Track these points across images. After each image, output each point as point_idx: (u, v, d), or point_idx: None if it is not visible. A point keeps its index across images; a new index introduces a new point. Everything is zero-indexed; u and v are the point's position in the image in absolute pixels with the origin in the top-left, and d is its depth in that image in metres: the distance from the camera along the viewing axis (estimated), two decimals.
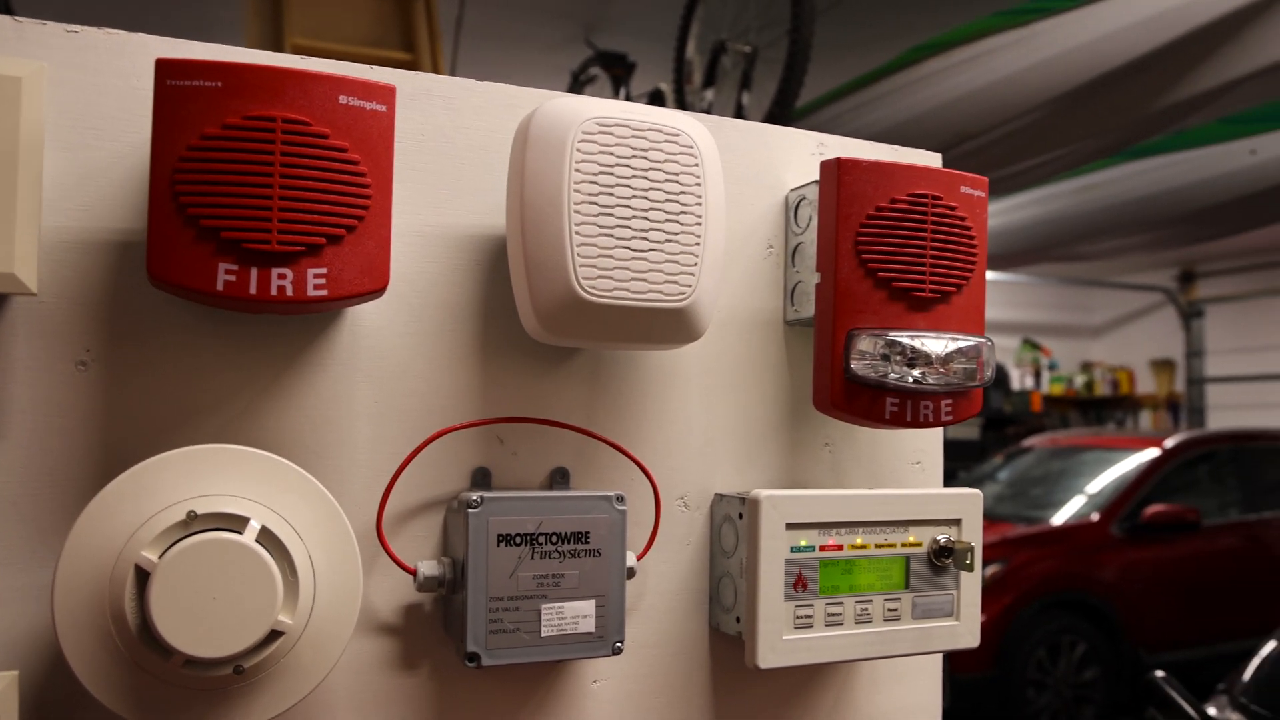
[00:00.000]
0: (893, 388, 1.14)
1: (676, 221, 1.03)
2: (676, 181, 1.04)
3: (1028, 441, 7.51)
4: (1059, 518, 6.02)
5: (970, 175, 1.19)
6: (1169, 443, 6.48)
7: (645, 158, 1.02)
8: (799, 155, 1.28)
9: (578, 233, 0.98)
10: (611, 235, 1.00)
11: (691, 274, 1.04)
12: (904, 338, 1.13)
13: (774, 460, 1.25)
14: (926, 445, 1.36)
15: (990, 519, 6.07)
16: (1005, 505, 6.51)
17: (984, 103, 4.43)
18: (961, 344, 1.16)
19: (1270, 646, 2.86)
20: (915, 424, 1.17)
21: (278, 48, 3.40)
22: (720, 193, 1.06)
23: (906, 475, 1.34)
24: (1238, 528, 6.36)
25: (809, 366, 1.26)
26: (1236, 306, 11.52)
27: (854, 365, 1.12)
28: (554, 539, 1.02)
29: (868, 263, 1.13)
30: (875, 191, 1.14)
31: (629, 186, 1.01)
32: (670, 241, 1.03)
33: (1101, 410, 12.36)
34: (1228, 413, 11.36)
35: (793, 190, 1.26)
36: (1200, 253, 11.00)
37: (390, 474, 1.03)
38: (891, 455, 1.33)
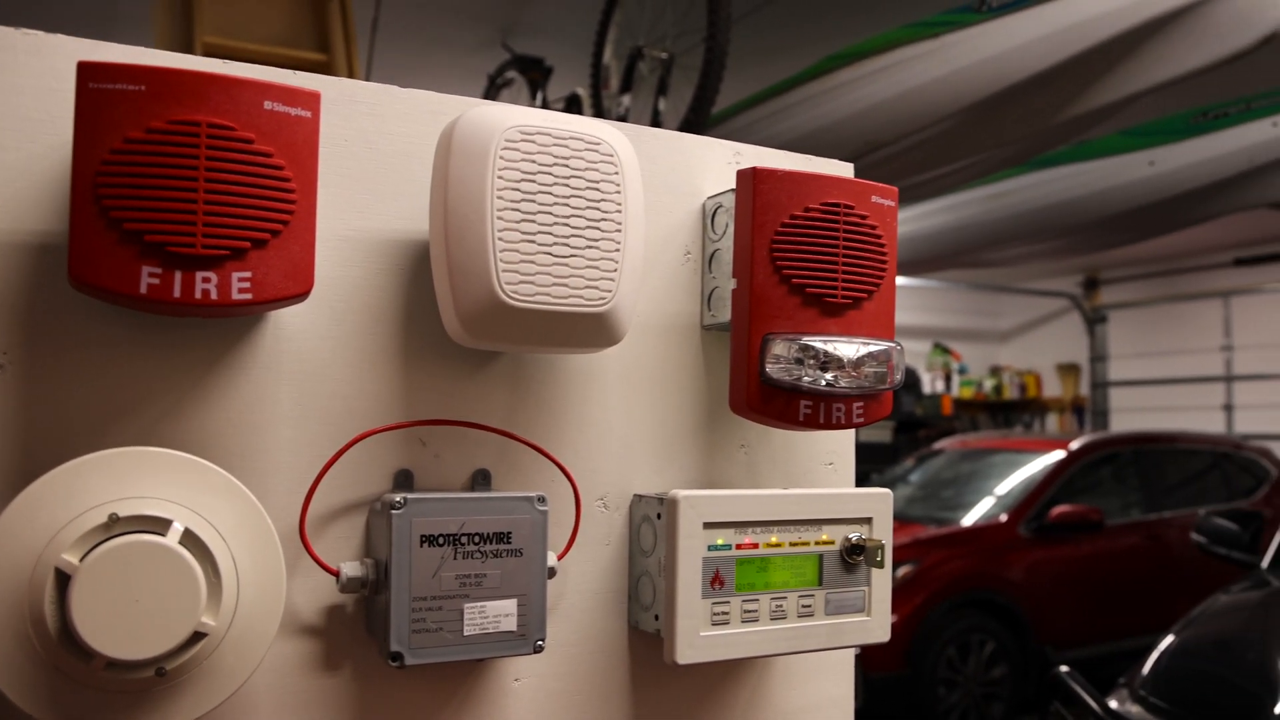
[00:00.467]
0: (806, 390, 1.15)
1: (597, 228, 1.05)
2: (597, 189, 1.06)
3: (938, 444, 7.63)
4: (969, 519, 6.12)
5: (880, 185, 1.22)
6: (1074, 445, 6.63)
7: (567, 165, 1.04)
8: (716, 164, 1.29)
9: (500, 238, 0.99)
10: (533, 241, 1.01)
11: (612, 279, 1.06)
12: (817, 342, 1.15)
13: (691, 461, 1.26)
14: (838, 447, 1.38)
15: (902, 520, 6.14)
16: (916, 507, 6.60)
17: (895, 112, 4.49)
18: (872, 348, 1.19)
19: (1168, 641, 2.96)
20: (828, 426, 1.19)
21: (188, 46, 3.35)
22: (639, 200, 1.08)
23: (820, 476, 1.36)
24: (1139, 527, 6.52)
25: (725, 370, 1.28)
26: (1138, 312, 11.80)
27: (769, 369, 1.14)
28: (476, 539, 1.04)
29: (782, 269, 1.14)
30: (790, 200, 1.16)
31: (551, 194, 1.03)
32: (591, 248, 1.05)
33: (1010, 413, 12.59)
34: (1130, 415, 11.63)
35: (710, 198, 1.27)
36: (1103, 260, 11.28)
37: (312, 476, 1.04)
38: (805, 456, 1.35)
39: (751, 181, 1.16)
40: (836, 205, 1.18)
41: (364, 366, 1.07)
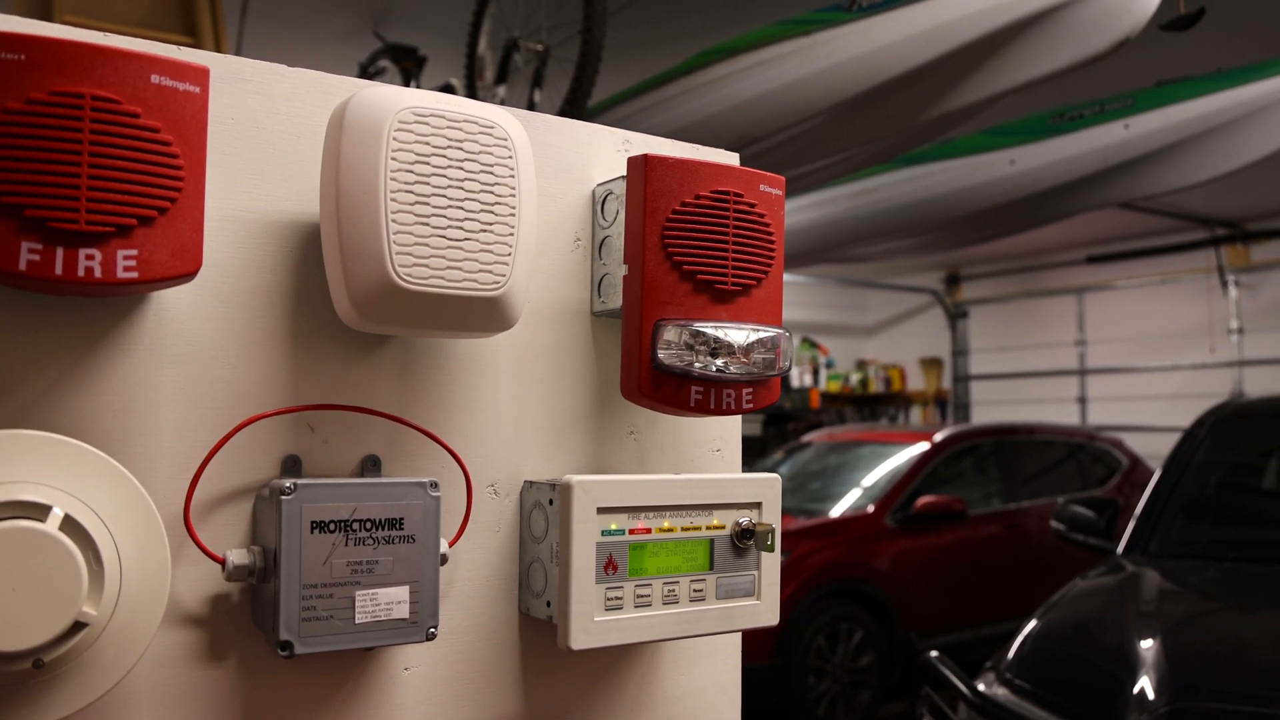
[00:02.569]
0: (697, 376, 1.17)
1: (491, 211, 1.05)
2: (491, 172, 1.06)
3: (807, 437, 7.72)
4: (837, 510, 6.21)
5: (769, 175, 1.24)
6: (937, 437, 6.77)
7: (461, 148, 1.04)
8: (605, 151, 1.30)
9: (394, 220, 0.98)
10: (427, 224, 1.01)
11: (505, 263, 1.06)
12: (708, 328, 1.17)
13: (581, 447, 1.27)
14: (725, 433, 1.40)
15: None
16: (786, 499, 6.59)
17: (768, 108, 4.54)
18: (762, 334, 1.21)
19: (1031, 625, 3.06)
20: (719, 411, 1.20)
21: None
22: (533, 184, 1.09)
23: (707, 462, 1.38)
24: (1000, 516, 6.70)
25: (615, 356, 1.29)
26: (997, 308, 12.13)
27: (661, 355, 1.15)
28: (368, 525, 1.02)
29: (673, 256, 1.16)
30: (680, 188, 1.17)
31: (445, 176, 1.02)
32: (485, 231, 1.04)
33: (875, 406, 12.84)
34: (990, 408, 11.96)
35: (599, 185, 1.28)
36: (965, 256, 11.58)
37: (197, 462, 1.01)
38: (693, 442, 1.37)
39: (643, 169, 1.17)
40: (726, 194, 1.19)
41: (251, 349, 1.05)
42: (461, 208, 1.03)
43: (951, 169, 6.25)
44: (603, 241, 1.27)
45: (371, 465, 1.10)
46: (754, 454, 9.15)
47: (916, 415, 12.72)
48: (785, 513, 6.10)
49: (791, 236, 7.26)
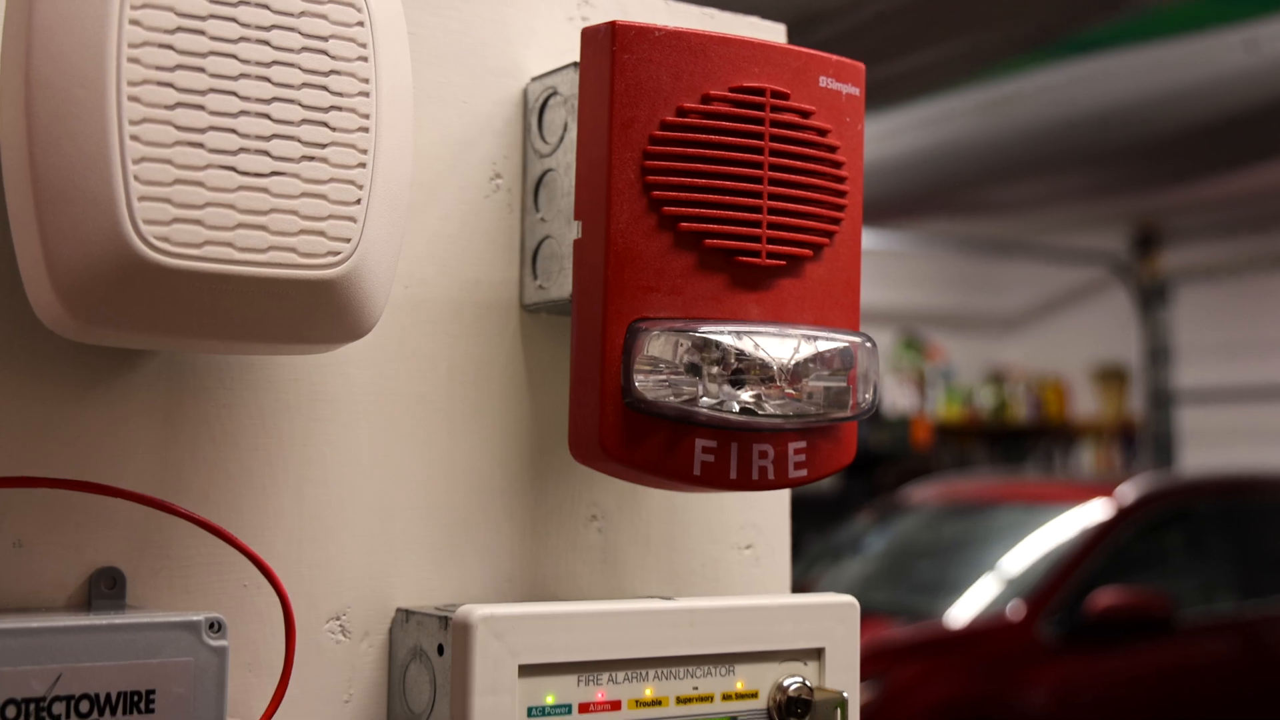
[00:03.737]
0: (706, 421, 1.13)
1: (323, 124, 0.99)
2: (324, 53, 1.00)
3: (911, 493, 7.68)
4: (960, 611, 6.09)
5: (836, 59, 1.22)
6: (1124, 494, 6.67)
7: (267, 7, 0.98)
8: (548, 21, 1.30)
9: (136, 138, 0.92)
10: (201, 146, 0.94)
11: (351, 219, 1.00)
12: (725, 334, 1.12)
13: (500, 548, 1.24)
14: (763, 517, 1.38)
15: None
16: (879, 591, 6.58)
17: None
18: (823, 344, 1.17)
19: None
20: (744, 484, 1.16)
21: None
22: (405, 78, 1.05)
23: (729, 569, 1.35)
24: (1230, 627, 6.59)
25: (562, 383, 1.25)
26: (1218, 286, 12.02)
27: (640, 383, 1.11)
28: (84, 705, 0.94)
29: (662, 205, 1.12)
30: (677, 82, 1.13)
31: (235, 58, 0.96)
32: (312, 160, 0.99)
33: (1020, 444, 12.77)
34: (1209, 447, 11.81)
35: (536, 80, 1.26)
36: (1166, 204, 11.41)
37: None
38: (703, 535, 1.34)
39: (609, 46, 1.13)
40: (759, 91, 1.15)
41: None
42: (267, 115, 0.97)
43: (1145, 60, 6.13)
44: (542, 178, 1.25)
45: (107, 587, 1.05)
46: (826, 517, 9.04)
47: (1087, 458, 12.66)
48: (879, 614, 6.05)
49: (882, 176, 7.17)
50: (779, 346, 1.14)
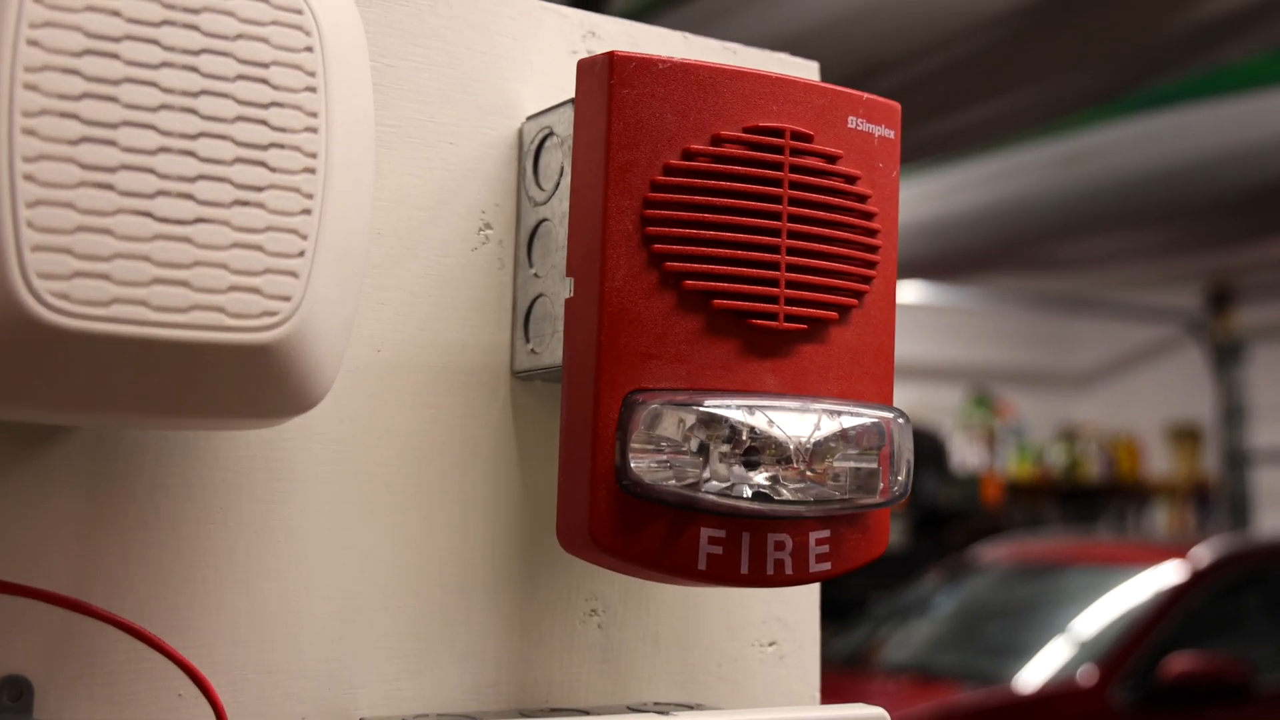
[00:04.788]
0: (712, 508, 1.07)
1: (260, 163, 0.92)
2: (264, 82, 0.93)
3: (981, 553, 7.64)
4: (1030, 675, 6.02)
5: (867, 97, 1.17)
6: (1199, 557, 6.60)
7: (196, 28, 0.91)
8: (548, 54, 1.24)
9: (31, 178, 0.86)
10: (111, 187, 0.87)
11: (291, 273, 0.93)
12: (735, 408, 1.06)
13: (483, 649, 1.18)
14: (788, 610, 1.33)
15: (925, 675, 6.14)
16: (947, 654, 6.58)
17: (904, 13, 4.47)
18: (849, 420, 1.11)
19: None
20: (758, 579, 1.10)
21: None
22: (364, 112, 0.99)
23: (749, 670, 1.29)
24: None
25: (553, 460, 1.21)
26: None
27: (637, 463, 1.05)
28: None
29: (664, 260, 1.06)
30: (683, 121, 1.08)
31: (155, 86, 0.89)
32: (246, 205, 0.92)
33: (1093, 503, 12.76)
34: None
35: (531, 119, 1.21)
36: (1241, 261, 11.37)
37: None
38: (721, 631, 1.29)
39: (606, 80, 1.07)
40: (776, 132, 1.10)
41: None
42: (192, 153, 0.89)
43: (1217, 116, 6.16)
44: (536, 230, 1.20)
45: (10, 699, 0.99)
46: (895, 576, 9.00)
47: (1161, 518, 12.65)
48: (948, 678, 6.08)
49: (949, 231, 7.20)
50: (797, 423, 1.07)
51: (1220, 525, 11.73)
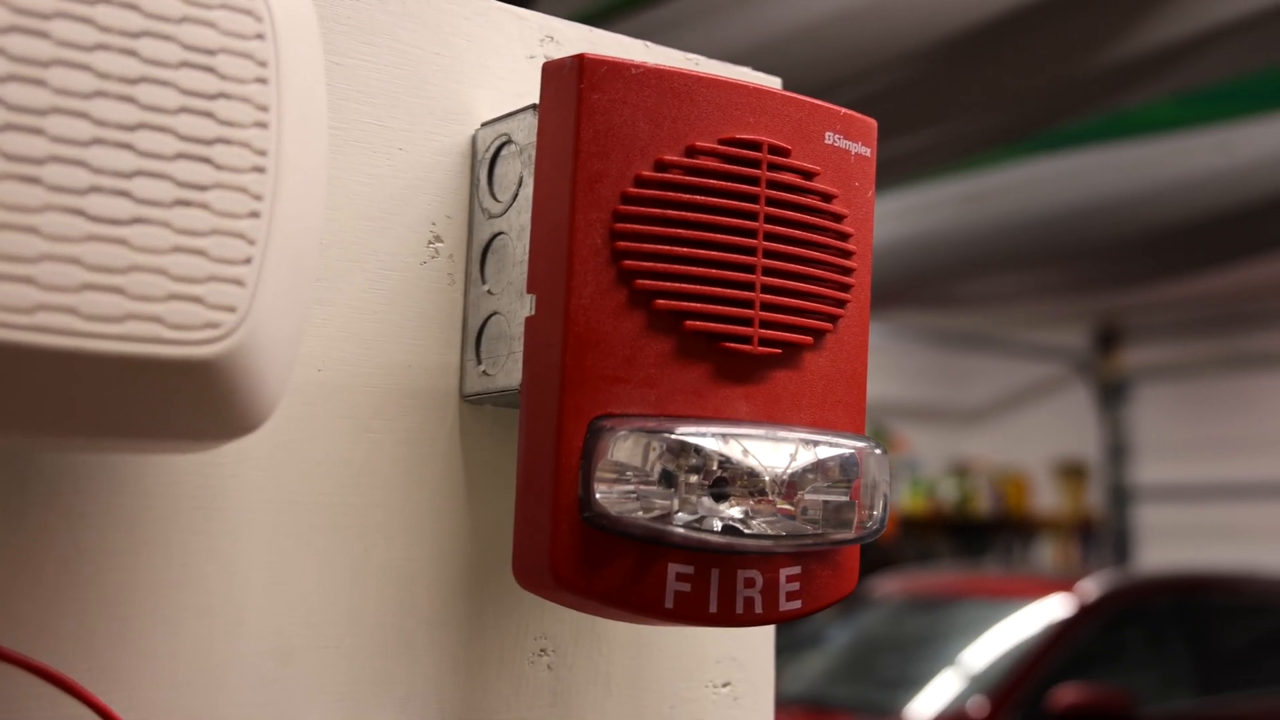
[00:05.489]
0: (681, 542, 1.03)
1: (205, 159, 0.87)
2: (211, 70, 0.88)
3: (874, 585, 7.67)
4: (922, 707, 6.05)
5: (845, 112, 1.15)
6: (1086, 591, 6.69)
7: (136, 8, 0.85)
8: (505, 58, 1.22)
9: None
10: (37, 181, 0.82)
11: (237, 281, 0.88)
12: (709, 437, 1.03)
13: (425, 692, 1.14)
14: (744, 650, 1.31)
15: (818, 707, 6.16)
16: (840, 686, 6.61)
17: (822, 45, 4.49)
18: (825, 450, 1.08)
19: None
20: (727, 618, 1.07)
21: None
22: (319, 108, 0.94)
23: (704, 711, 1.28)
24: None
25: (510, 491, 1.13)
26: (1179, 384, 12.17)
27: (602, 494, 1.01)
28: None
29: (634, 278, 1.03)
30: (656, 130, 1.05)
31: (90, 70, 0.84)
32: (188, 205, 0.86)
33: (983, 537, 12.85)
34: (1169, 544, 11.88)
35: (486, 125, 1.18)
36: (1129, 302, 11.54)
37: None
38: (675, 672, 1.26)
39: (575, 84, 1.04)
40: (754, 145, 1.07)
41: None
42: (130, 146, 0.84)
43: (1121, 159, 6.22)
44: (490, 244, 1.16)
45: None
46: None
47: (1047, 553, 12.79)
48: (841, 710, 6.14)
49: None
50: (773, 452, 1.04)
51: (1104, 560, 11.92)
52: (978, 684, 6.07)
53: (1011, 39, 4.43)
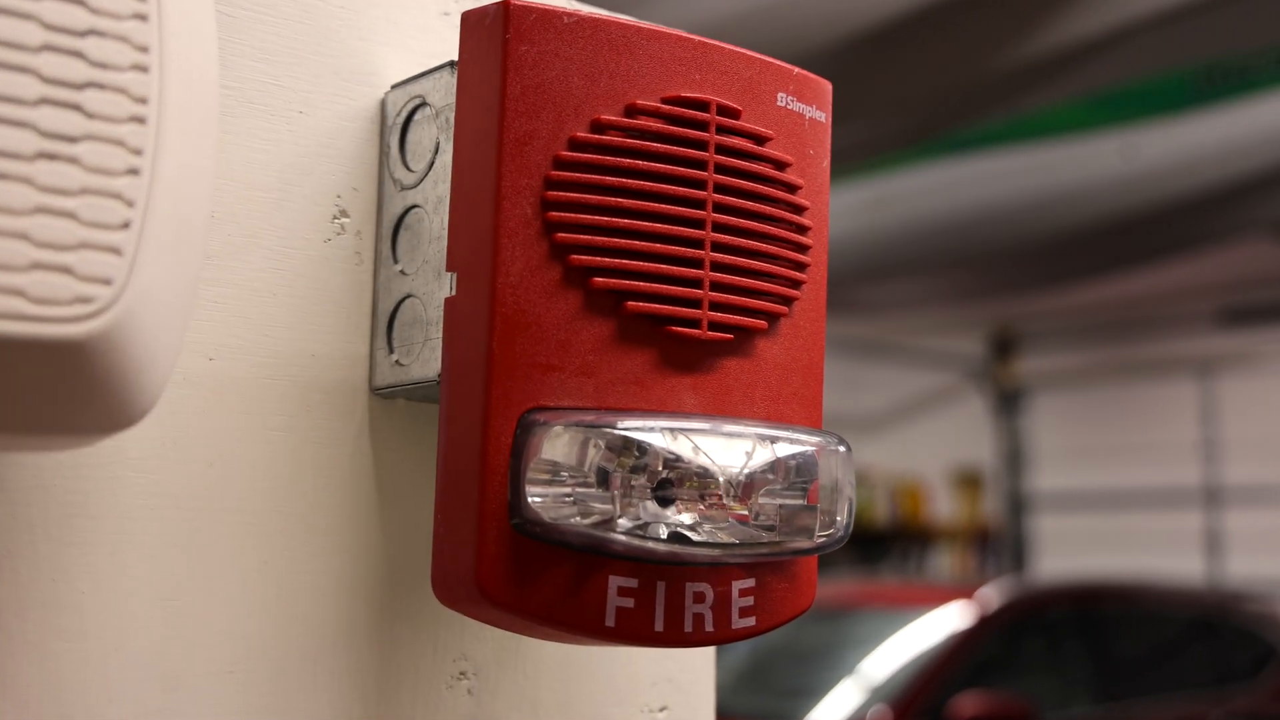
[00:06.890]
0: (624, 551, 0.97)
1: (74, 107, 0.80)
2: (80, 3, 0.81)
3: None
4: (823, 717, 6.05)
5: (799, 72, 1.10)
6: (986, 598, 6.74)
7: None
8: (416, 14, 1.17)
9: None
10: None
11: (114, 249, 0.81)
12: (656, 432, 0.97)
13: (333, 718, 1.08)
14: (681, 671, 1.26)
15: (718, 718, 6.06)
16: (740, 697, 6.54)
17: (741, 40, 4.48)
18: (785, 448, 1.02)
19: None
20: (674, 638, 1.00)
21: None
22: (209, 54, 0.88)
23: None
24: None
25: (428, 494, 1.09)
26: (1075, 392, 12.38)
27: (535, 497, 0.95)
28: None
29: (568, 252, 0.97)
30: (592, 86, 0.99)
31: None
32: (54, 159, 0.80)
33: (880, 547, 12.93)
34: (1065, 553, 12.07)
35: (397, 87, 1.12)
36: (1024, 309, 11.71)
37: None
38: (607, 695, 1.22)
39: (501, 34, 0.97)
40: (700, 105, 1.01)
41: None
42: None
43: (1022, 163, 6.34)
44: (402, 219, 1.10)
45: None
46: None
47: (944, 561, 12.92)
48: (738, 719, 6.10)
49: None
50: (726, 450, 0.97)
51: (1001, 568, 12.05)
52: (879, 694, 6.08)
53: (915, 39, 4.47)
